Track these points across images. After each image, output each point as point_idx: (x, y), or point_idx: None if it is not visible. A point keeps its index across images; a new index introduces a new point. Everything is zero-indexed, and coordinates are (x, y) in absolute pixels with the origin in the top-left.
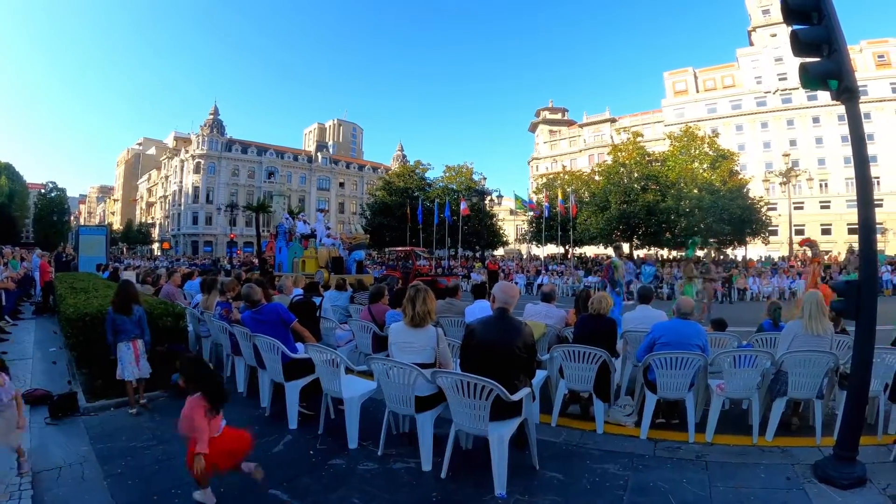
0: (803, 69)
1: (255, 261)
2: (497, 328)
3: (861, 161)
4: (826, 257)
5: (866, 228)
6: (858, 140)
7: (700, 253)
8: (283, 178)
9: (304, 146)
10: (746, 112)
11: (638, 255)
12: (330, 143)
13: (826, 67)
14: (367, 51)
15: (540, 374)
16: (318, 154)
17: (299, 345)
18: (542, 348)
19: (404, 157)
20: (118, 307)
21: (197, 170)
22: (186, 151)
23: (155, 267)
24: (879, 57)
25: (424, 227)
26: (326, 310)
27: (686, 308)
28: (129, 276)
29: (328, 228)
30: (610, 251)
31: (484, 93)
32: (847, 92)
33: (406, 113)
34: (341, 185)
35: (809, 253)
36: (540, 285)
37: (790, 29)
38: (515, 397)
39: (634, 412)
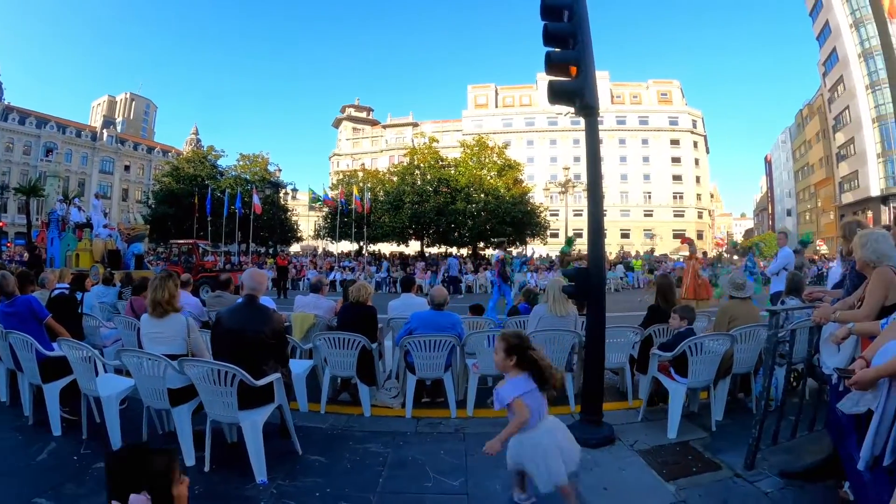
0: (549, 86)
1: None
2: (244, 315)
3: (594, 167)
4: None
5: (595, 224)
6: (593, 149)
7: (574, 250)
8: (59, 155)
9: (91, 121)
10: (538, 129)
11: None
12: (119, 119)
13: (570, 86)
14: (169, 19)
15: (307, 363)
16: (104, 131)
17: (56, 343)
18: (313, 338)
19: (199, 141)
20: None
21: None
22: None
23: None
24: (662, 94)
25: (214, 218)
26: (92, 307)
27: (439, 299)
28: None
29: (106, 217)
30: (403, 248)
31: (290, 82)
32: (587, 108)
33: (205, 93)
34: (127, 168)
35: (687, 252)
36: (332, 281)
37: (545, 50)
38: (260, 383)
39: (400, 394)
